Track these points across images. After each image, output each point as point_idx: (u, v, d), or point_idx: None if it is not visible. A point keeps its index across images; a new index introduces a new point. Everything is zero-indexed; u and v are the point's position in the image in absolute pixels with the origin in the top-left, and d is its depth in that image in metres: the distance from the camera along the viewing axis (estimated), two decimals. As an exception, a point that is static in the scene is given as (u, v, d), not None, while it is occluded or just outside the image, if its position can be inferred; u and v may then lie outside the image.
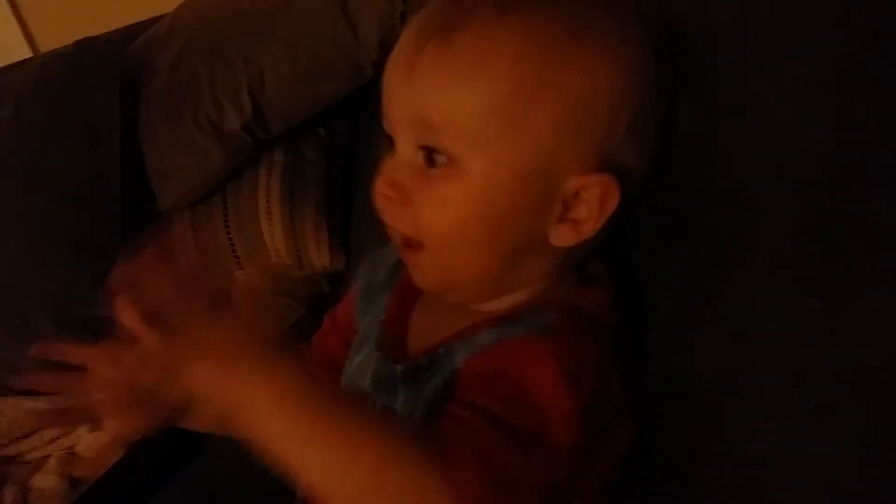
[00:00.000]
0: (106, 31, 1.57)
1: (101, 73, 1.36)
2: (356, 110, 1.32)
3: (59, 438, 1.16)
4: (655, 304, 0.63)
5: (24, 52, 1.81)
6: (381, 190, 0.62)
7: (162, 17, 1.50)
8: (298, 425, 0.49)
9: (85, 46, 1.43)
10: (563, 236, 0.59)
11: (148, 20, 1.55)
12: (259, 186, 1.32)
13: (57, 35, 1.56)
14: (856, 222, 0.48)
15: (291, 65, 1.27)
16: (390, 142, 0.62)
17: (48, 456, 1.15)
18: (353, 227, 1.31)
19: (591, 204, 0.58)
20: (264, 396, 0.48)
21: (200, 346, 0.50)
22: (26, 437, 1.17)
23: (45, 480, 1.08)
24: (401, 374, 0.64)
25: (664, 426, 0.59)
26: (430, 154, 0.59)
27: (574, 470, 0.52)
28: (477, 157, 0.57)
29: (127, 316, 0.53)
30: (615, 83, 0.57)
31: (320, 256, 1.29)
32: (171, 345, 0.51)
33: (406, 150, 0.60)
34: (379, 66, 1.01)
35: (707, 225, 0.59)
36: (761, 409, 0.51)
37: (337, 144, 1.37)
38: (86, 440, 1.13)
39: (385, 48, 1.20)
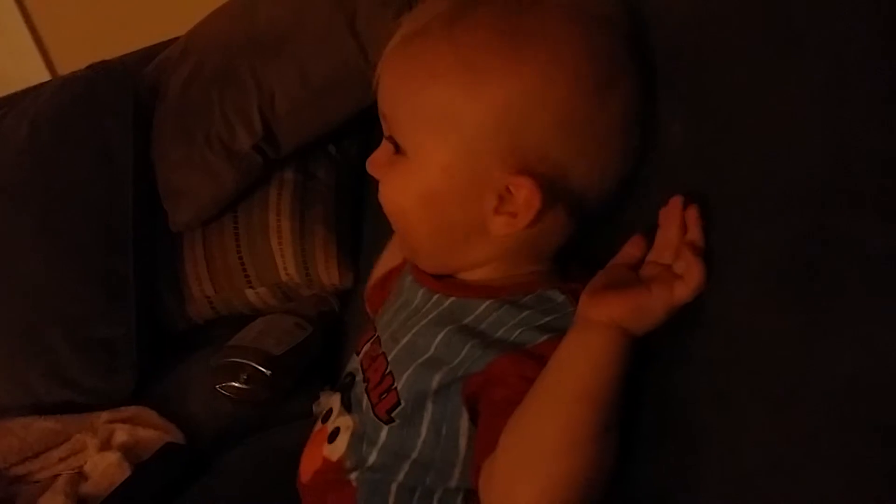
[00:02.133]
0: (123, 53, 1.59)
1: (115, 96, 1.38)
2: (366, 128, 1.32)
3: (67, 458, 1.16)
4: None
5: (43, 76, 1.84)
6: (367, 168, 0.73)
7: (176, 39, 1.52)
8: None
9: (99, 69, 1.44)
10: (499, 226, 0.66)
11: (162, 42, 1.58)
12: (270, 205, 1.33)
13: (75, 58, 1.58)
14: (844, 246, 0.47)
15: (302, 85, 1.28)
16: None
17: (57, 475, 1.15)
18: (362, 245, 1.31)
19: (519, 201, 0.64)
20: None
21: None
22: (36, 456, 1.17)
23: (53, 500, 1.08)
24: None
25: (648, 448, 0.58)
26: (394, 143, 0.69)
27: None
28: (414, 150, 0.68)
29: None
30: (537, 88, 0.62)
31: (329, 274, 1.29)
32: None
33: (384, 140, 0.71)
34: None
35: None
36: (748, 431, 0.50)
37: (347, 162, 1.38)
38: (93, 460, 1.13)
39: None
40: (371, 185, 0.72)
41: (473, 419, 0.63)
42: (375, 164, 0.72)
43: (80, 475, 1.14)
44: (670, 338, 0.58)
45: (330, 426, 0.73)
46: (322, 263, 1.28)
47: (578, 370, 0.56)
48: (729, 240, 0.56)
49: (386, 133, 0.70)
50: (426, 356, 0.67)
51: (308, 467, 0.74)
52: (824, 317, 0.47)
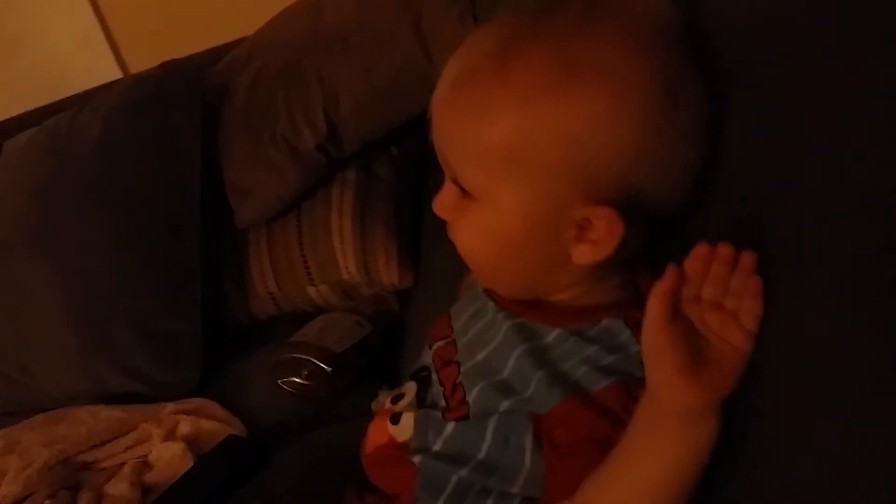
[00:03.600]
0: (192, 52, 1.62)
1: (185, 94, 1.40)
2: (428, 129, 1.33)
3: (133, 447, 1.19)
4: None
5: (115, 74, 1.88)
6: (435, 210, 0.71)
7: (244, 39, 1.54)
8: None
9: (170, 68, 1.48)
10: (582, 255, 0.65)
11: (231, 42, 1.60)
12: (332, 204, 1.34)
13: (147, 57, 1.62)
14: None
15: (366, 85, 1.29)
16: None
17: (123, 463, 1.17)
18: (422, 244, 1.31)
19: (602, 231, 0.63)
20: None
21: None
22: (103, 444, 1.21)
23: (118, 487, 1.11)
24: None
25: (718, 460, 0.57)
26: (459, 185, 0.68)
27: None
28: (485, 197, 0.66)
29: None
30: (606, 125, 0.60)
31: (389, 273, 1.29)
32: None
33: (448, 182, 0.70)
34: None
35: (763, 246, 0.57)
36: (817, 446, 0.49)
37: (408, 163, 1.38)
38: (158, 449, 1.15)
39: (457, 69, 1.20)
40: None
41: (538, 442, 0.64)
42: (443, 206, 0.70)
43: (145, 464, 1.16)
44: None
45: (398, 408, 0.75)
46: (382, 263, 1.29)
47: (682, 462, 0.54)
48: (800, 251, 0.54)
49: (449, 176, 0.69)
50: (498, 378, 0.68)
51: (373, 440, 0.76)
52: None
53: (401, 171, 1.38)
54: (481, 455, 0.66)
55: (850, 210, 0.51)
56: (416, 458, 0.70)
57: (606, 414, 0.60)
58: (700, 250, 0.56)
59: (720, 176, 0.64)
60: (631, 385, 0.60)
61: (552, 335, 0.67)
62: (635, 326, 0.63)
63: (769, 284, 0.55)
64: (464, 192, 0.67)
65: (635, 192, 0.62)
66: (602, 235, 0.63)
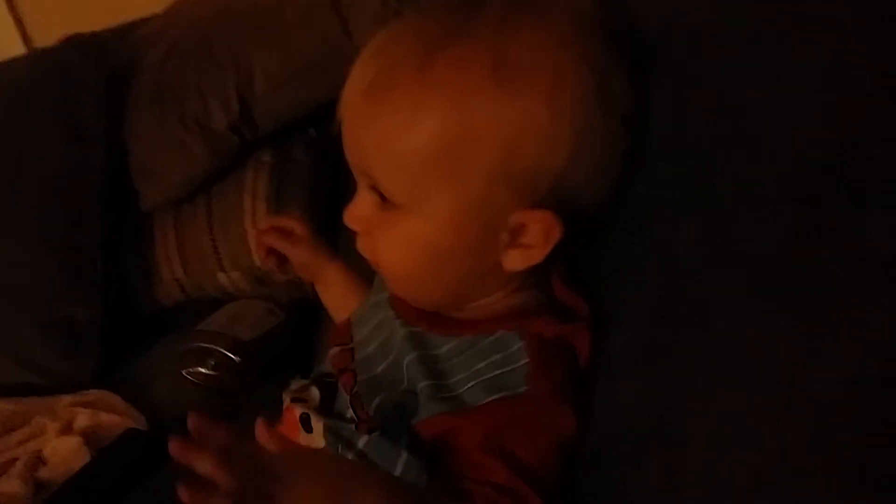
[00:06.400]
0: (102, 28, 1.55)
1: (88, 70, 1.34)
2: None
3: (26, 441, 1.13)
4: (622, 323, 0.60)
5: (19, 49, 1.80)
6: (347, 223, 0.65)
7: (155, 16, 1.49)
8: None
9: (73, 42, 1.41)
10: (514, 261, 0.61)
11: (141, 19, 1.54)
12: (245, 187, 1.30)
13: (52, 33, 1.54)
14: (841, 240, 0.44)
15: (282, 64, 1.26)
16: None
17: (15, 459, 1.11)
18: (339, 230, 1.27)
19: (537, 235, 0.59)
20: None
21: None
22: (-7, 439, 1.14)
23: (9, 485, 1.04)
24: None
25: (632, 453, 0.55)
26: (381, 195, 0.62)
27: None
28: (415, 207, 0.60)
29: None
30: (541, 126, 0.57)
31: (305, 260, 1.25)
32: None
33: (363, 191, 0.63)
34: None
35: (681, 238, 0.56)
36: (734, 437, 0.47)
37: (326, 145, 1.34)
38: (53, 444, 1.09)
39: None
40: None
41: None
42: (359, 218, 0.64)
43: (39, 459, 1.10)
44: (656, 337, 0.55)
45: (299, 410, 0.70)
46: (297, 248, 1.25)
47: None
48: (717, 236, 0.53)
49: (366, 184, 0.63)
50: (402, 388, 0.64)
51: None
52: (819, 318, 0.44)
53: (318, 154, 1.34)
54: (398, 472, 0.62)
55: (773, 198, 0.49)
56: None
57: (481, 427, 0.58)
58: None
59: (641, 167, 0.62)
60: (509, 402, 0.58)
61: (445, 346, 0.64)
62: (531, 337, 0.61)
63: (685, 273, 0.54)
64: (383, 200, 0.62)
65: (571, 192, 0.59)
66: (536, 239, 0.59)
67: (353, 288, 0.86)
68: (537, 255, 0.60)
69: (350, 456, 0.64)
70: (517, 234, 0.60)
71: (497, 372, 0.60)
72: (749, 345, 0.48)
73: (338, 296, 0.88)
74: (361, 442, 0.64)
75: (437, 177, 0.58)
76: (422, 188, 0.59)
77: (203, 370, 1.11)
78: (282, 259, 0.84)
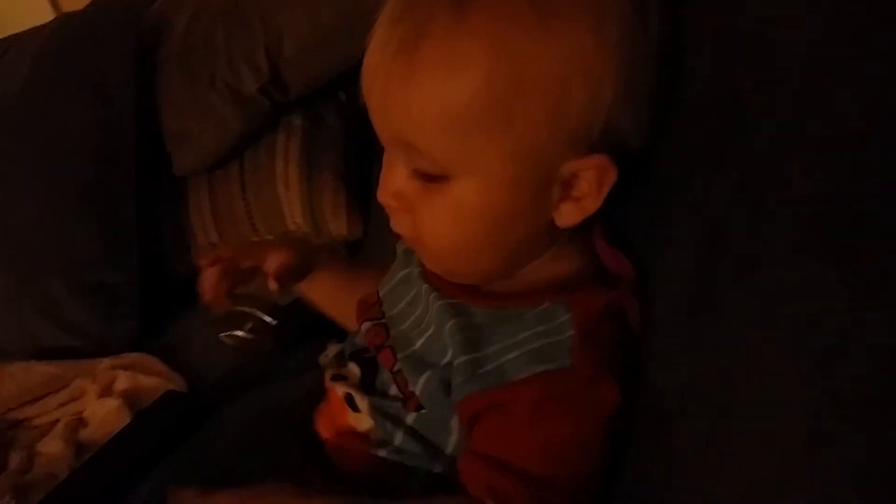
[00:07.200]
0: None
1: (116, 34, 1.34)
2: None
3: (67, 403, 1.15)
4: (663, 285, 0.59)
5: (49, 15, 1.80)
6: (383, 201, 0.61)
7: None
8: None
9: (101, 7, 1.40)
10: (567, 216, 0.59)
11: (169, -18, 1.53)
12: (277, 151, 1.29)
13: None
14: (890, 192, 0.43)
15: (312, 26, 1.24)
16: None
17: (56, 421, 1.13)
18: (371, 194, 1.27)
19: (591, 183, 0.57)
20: None
21: None
22: (35, 401, 1.16)
23: (51, 445, 1.06)
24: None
25: (669, 410, 0.55)
26: (421, 175, 0.58)
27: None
28: (465, 171, 0.56)
29: None
30: (591, 62, 0.54)
31: (338, 224, 1.25)
32: None
33: (400, 168, 0.60)
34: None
35: (721, 192, 0.54)
36: (783, 391, 0.47)
37: (357, 109, 1.33)
38: (93, 406, 1.11)
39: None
40: None
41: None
42: (397, 194, 0.60)
43: (80, 421, 1.12)
44: (700, 294, 0.54)
45: (342, 390, 0.69)
46: (330, 212, 1.25)
47: None
48: (761, 186, 0.51)
49: (402, 159, 0.59)
50: (444, 362, 0.62)
51: (328, 425, 0.70)
52: (868, 271, 0.43)
53: (349, 118, 1.33)
54: (450, 450, 0.62)
55: (818, 148, 0.48)
56: (382, 452, 0.64)
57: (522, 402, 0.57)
58: None
59: (680, 112, 0.60)
60: (552, 377, 0.56)
61: (486, 315, 0.61)
62: (578, 309, 0.58)
63: (726, 230, 0.53)
64: (426, 177, 0.58)
65: (620, 135, 0.56)
66: (590, 188, 0.57)
67: (351, 283, 0.85)
68: (591, 206, 0.58)
69: (399, 434, 0.64)
70: (568, 185, 0.57)
71: (541, 343, 0.58)
72: (796, 300, 0.47)
73: (338, 297, 0.87)
74: (410, 418, 0.63)
75: (487, 131, 0.54)
76: (472, 147, 0.55)
77: (240, 333, 1.11)
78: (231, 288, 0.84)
